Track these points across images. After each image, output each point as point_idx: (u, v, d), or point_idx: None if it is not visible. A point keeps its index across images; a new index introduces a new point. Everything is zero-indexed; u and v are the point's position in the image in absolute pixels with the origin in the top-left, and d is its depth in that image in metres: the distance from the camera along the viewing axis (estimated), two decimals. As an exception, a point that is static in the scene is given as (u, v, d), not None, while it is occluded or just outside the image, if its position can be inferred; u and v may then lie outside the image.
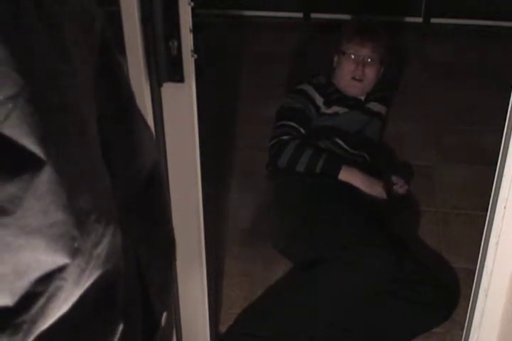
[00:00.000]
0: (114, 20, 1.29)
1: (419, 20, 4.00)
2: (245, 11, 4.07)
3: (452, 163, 2.86)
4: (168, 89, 1.45)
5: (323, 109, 2.56)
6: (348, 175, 2.38)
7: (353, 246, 2.03)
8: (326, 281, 2.03)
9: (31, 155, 0.47)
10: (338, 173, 2.37)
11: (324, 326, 2.04)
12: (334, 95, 2.59)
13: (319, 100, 2.57)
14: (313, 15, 4.07)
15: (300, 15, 4.07)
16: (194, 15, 1.36)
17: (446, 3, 3.97)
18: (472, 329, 1.62)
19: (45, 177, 0.47)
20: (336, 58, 2.62)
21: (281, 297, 2.13)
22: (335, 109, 2.56)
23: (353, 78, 2.55)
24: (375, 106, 2.66)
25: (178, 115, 1.49)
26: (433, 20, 4.00)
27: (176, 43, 1.36)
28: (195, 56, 1.40)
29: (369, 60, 2.53)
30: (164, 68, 1.40)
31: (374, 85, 2.63)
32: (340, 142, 2.49)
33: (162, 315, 0.75)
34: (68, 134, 0.50)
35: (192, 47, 1.39)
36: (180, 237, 0.81)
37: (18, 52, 0.45)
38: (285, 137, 2.41)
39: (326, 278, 2.04)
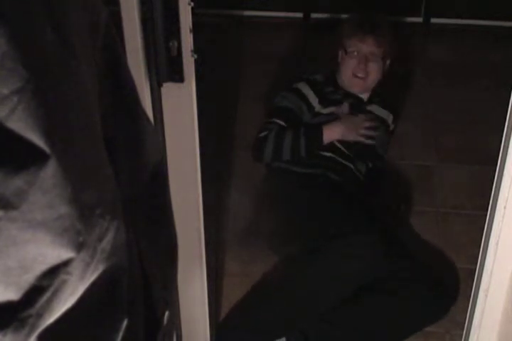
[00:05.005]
0: (114, 20, 1.29)
1: (419, 20, 4.00)
2: (245, 11, 4.07)
3: (452, 163, 2.87)
4: (168, 89, 1.45)
5: (318, 109, 2.51)
6: (329, 136, 2.42)
7: (342, 235, 2.04)
8: (314, 271, 2.03)
9: (37, 149, 0.47)
10: (322, 142, 2.40)
11: (315, 319, 2.04)
12: (331, 96, 2.53)
13: (314, 99, 2.52)
14: (313, 15, 4.07)
15: (300, 15, 4.07)
16: (194, 15, 1.36)
17: (446, 3, 3.97)
18: (472, 329, 1.62)
19: (51, 171, 0.48)
20: (340, 54, 2.56)
21: (270, 289, 2.15)
22: (331, 109, 2.51)
23: (355, 75, 2.49)
24: (377, 110, 2.58)
25: (178, 115, 1.49)
26: (433, 20, 4.00)
27: (175, 43, 1.36)
28: (195, 56, 1.40)
29: (372, 56, 2.46)
30: (164, 68, 1.40)
31: (379, 82, 2.55)
32: (338, 144, 2.46)
33: (164, 314, 0.75)
34: (73, 129, 0.50)
35: (192, 47, 1.39)
36: (180, 237, 0.81)
37: (24, 47, 0.45)
38: (262, 133, 2.41)
39: (314, 267, 2.04)
